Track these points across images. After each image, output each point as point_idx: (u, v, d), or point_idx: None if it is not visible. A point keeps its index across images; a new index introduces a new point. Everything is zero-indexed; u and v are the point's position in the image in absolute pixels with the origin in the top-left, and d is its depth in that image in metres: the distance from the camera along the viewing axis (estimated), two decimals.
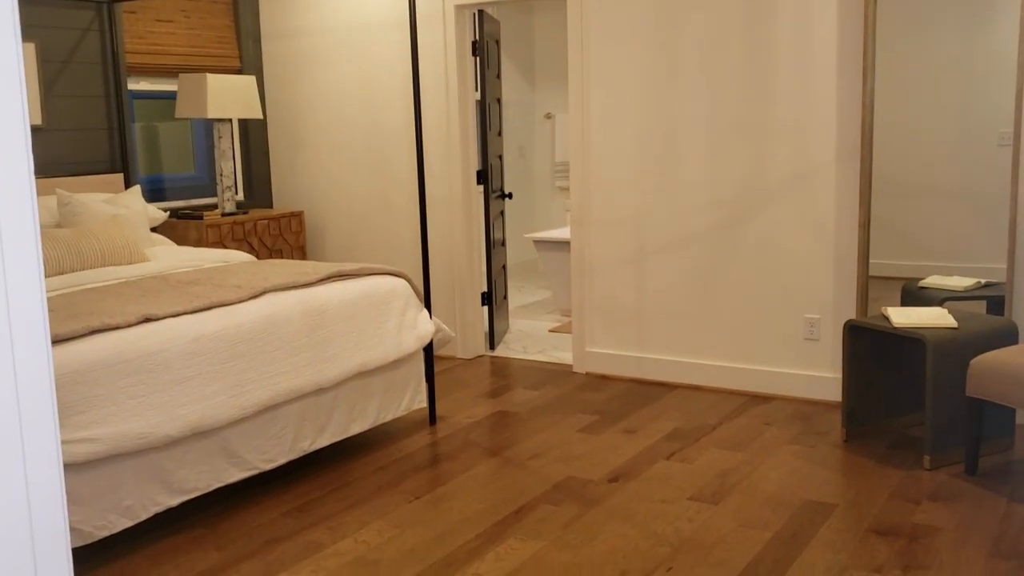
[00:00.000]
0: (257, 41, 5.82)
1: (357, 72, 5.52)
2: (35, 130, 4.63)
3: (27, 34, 4.56)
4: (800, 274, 4.38)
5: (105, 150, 4.98)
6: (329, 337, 3.60)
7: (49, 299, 3.36)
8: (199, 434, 3.11)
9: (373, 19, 5.40)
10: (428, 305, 4.15)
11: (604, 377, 4.90)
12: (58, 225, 4.24)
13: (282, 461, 3.44)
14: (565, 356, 5.34)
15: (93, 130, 4.91)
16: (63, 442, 2.69)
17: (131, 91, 5.21)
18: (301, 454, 3.52)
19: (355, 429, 3.76)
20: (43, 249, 3.78)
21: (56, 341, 2.82)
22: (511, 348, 5.59)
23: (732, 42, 4.37)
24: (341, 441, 3.70)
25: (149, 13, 5.21)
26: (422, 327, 4.03)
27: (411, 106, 5.32)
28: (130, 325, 3.03)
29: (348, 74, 5.56)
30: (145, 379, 2.94)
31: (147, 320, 3.10)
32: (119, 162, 5.04)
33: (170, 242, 4.80)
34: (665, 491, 3.38)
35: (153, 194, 5.53)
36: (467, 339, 5.38)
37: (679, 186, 4.59)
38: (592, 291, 4.92)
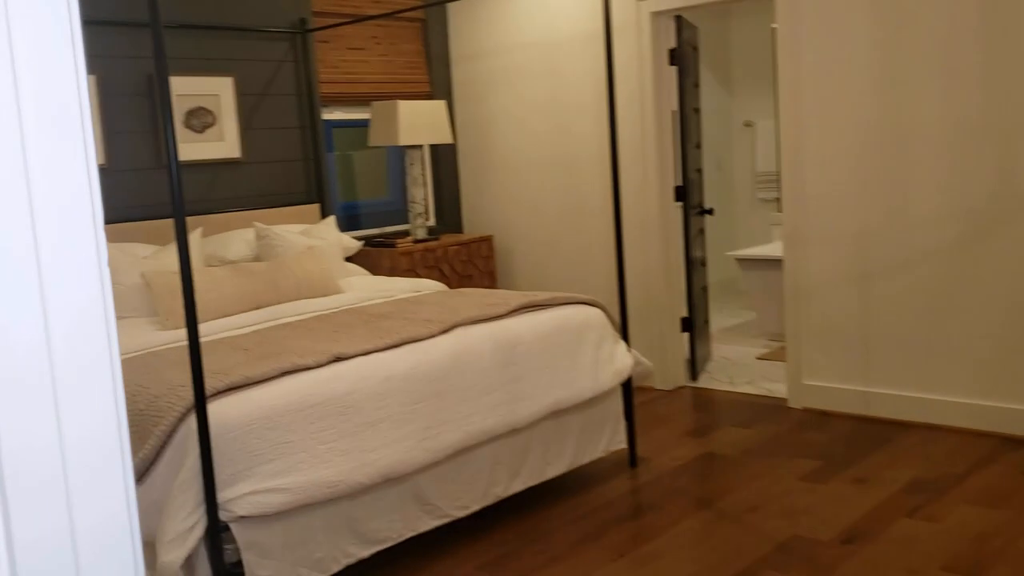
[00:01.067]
0: (447, 64, 5.73)
1: (546, 89, 5.30)
2: (234, 163, 4.71)
3: (225, 68, 4.65)
4: None
5: (302, 181, 5.01)
6: (521, 374, 3.35)
7: (242, 337, 3.31)
8: (390, 480, 2.94)
9: (564, 34, 5.17)
10: (625, 333, 3.83)
11: (824, 414, 4.39)
12: (256, 258, 4.26)
13: (475, 508, 3.22)
14: (777, 388, 4.86)
15: (290, 161, 4.96)
16: (252, 493, 2.58)
17: (326, 120, 5.23)
18: (495, 500, 3.29)
19: (551, 473, 3.50)
20: (240, 283, 3.77)
21: (247, 385, 2.72)
22: (715, 378, 5.16)
23: (968, 33, 3.79)
24: (536, 486, 3.45)
25: (342, 42, 5.22)
26: (620, 360, 3.72)
27: (603, 122, 5.03)
28: (320, 365, 2.91)
29: (537, 92, 5.35)
30: (335, 423, 2.80)
31: (337, 359, 2.97)
32: (315, 192, 5.07)
33: (364, 271, 4.75)
34: (912, 558, 2.88)
35: (349, 221, 5.54)
36: (666, 368, 5.01)
37: (910, 197, 4.04)
38: (809, 316, 4.43)
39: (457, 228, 5.87)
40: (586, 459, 3.65)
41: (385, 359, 3.03)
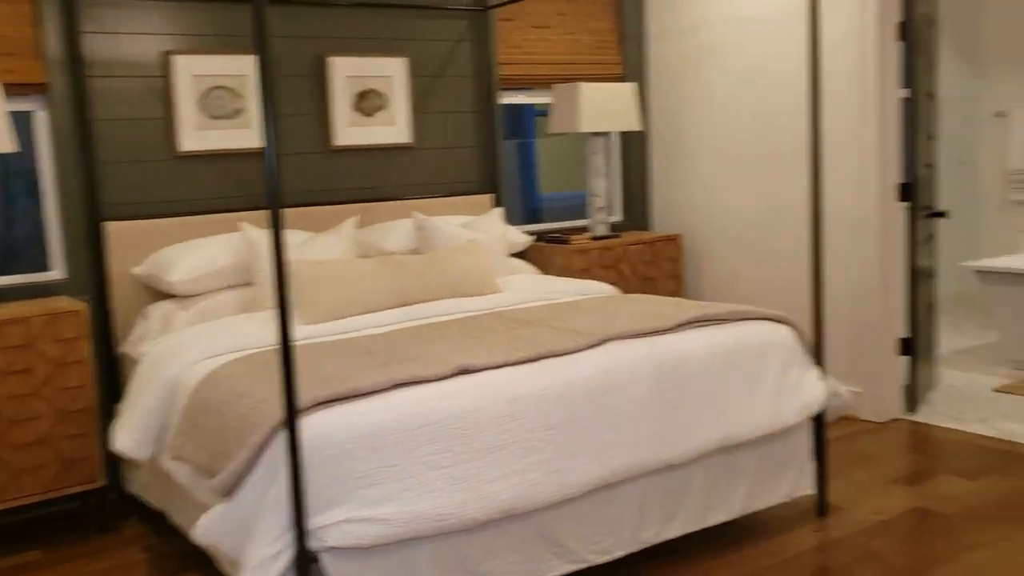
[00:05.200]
0: (641, 43, 5.23)
1: (751, 71, 4.68)
2: (404, 149, 4.47)
3: (398, 48, 4.42)
4: None
5: (475, 169, 4.71)
6: (684, 400, 2.84)
7: (374, 338, 3.03)
8: (512, 516, 2.54)
9: (774, 4, 4.53)
10: (819, 356, 3.21)
11: None
12: (415, 251, 3.99)
13: (619, 554, 2.76)
14: (1018, 430, 4.00)
15: (464, 148, 4.66)
16: (347, 521, 2.27)
17: (510, 104, 4.90)
18: (643, 546, 2.81)
19: (715, 519, 2.96)
20: (386, 277, 3.50)
21: (354, 396, 2.41)
22: (939, 412, 4.35)
23: None
24: (695, 533, 2.93)
25: (525, 19, 4.86)
26: (809, 391, 3.10)
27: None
28: (441, 378, 2.55)
29: (740, 74, 4.74)
30: (451, 446, 2.44)
31: (463, 372, 2.60)
32: (489, 182, 4.75)
33: (533, 269, 4.38)
34: None
35: (533, 215, 5.19)
36: (877, 397, 4.26)
37: None
38: None
39: (644, 225, 5.37)
40: (761, 505, 3.07)
41: (517, 375, 2.62)
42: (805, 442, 3.17)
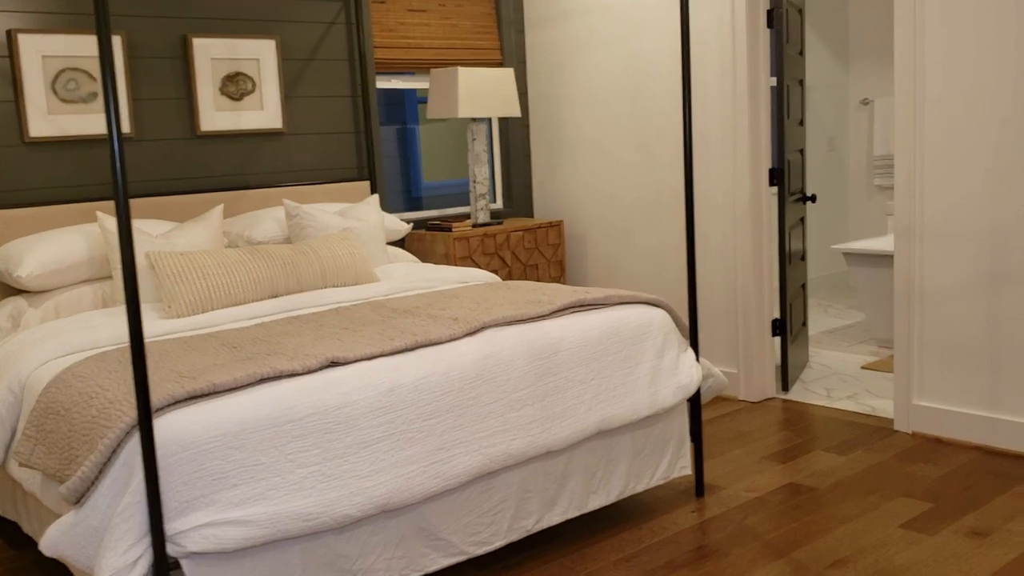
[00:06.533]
0: (521, 30, 5.20)
1: (626, 57, 4.70)
2: (275, 134, 4.31)
3: (268, 29, 4.25)
4: None
5: (351, 156, 4.58)
6: (562, 386, 2.82)
7: (240, 331, 2.89)
8: (389, 512, 2.47)
9: None
10: (695, 339, 3.24)
11: (938, 441, 3.69)
12: (287, 240, 3.85)
13: (499, 544, 2.72)
14: (883, 406, 4.16)
15: (338, 134, 4.53)
16: (208, 524, 2.15)
17: (385, 89, 4.79)
18: (523, 535, 2.78)
19: (595, 503, 2.96)
20: (255, 268, 3.36)
21: (215, 393, 2.28)
22: (811, 390, 4.49)
23: None
24: (576, 518, 2.92)
25: (401, 3, 4.75)
26: (685, 373, 3.14)
27: None
28: (309, 371, 2.45)
29: (617, 60, 4.76)
30: (321, 442, 2.34)
31: (333, 364, 2.50)
32: (366, 169, 4.63)
33: (413, 258, 4.29)
34: None
35: (415, 202, 5.10)
36: (752, 377, 4.37)
37: None
38: (923, 325, 3.73)
39: (527, 212, 5.35)
40: (640, 487, 3.09)
41: (392, 365, 2.55)
42: (682, 424, 3.21)
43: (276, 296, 3.41)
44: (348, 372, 2.48)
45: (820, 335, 5.55)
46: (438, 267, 3.98)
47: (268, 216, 3.88)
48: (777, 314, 4.45)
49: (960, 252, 3.58)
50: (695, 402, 3.25)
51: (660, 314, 3.16)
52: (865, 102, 6.97)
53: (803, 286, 4.83)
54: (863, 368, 4.81)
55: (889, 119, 6.74)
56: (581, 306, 3.06)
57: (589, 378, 2.88)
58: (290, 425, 2.31)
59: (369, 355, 2.56)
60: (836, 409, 4.17)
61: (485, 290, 3.40)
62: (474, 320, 2.84)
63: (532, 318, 2.92)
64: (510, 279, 4.66)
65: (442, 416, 2.56)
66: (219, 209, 3.69)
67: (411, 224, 4.55)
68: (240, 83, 4.18)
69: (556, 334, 2.87)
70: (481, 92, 4.55)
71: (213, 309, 3.23)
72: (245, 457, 2.23)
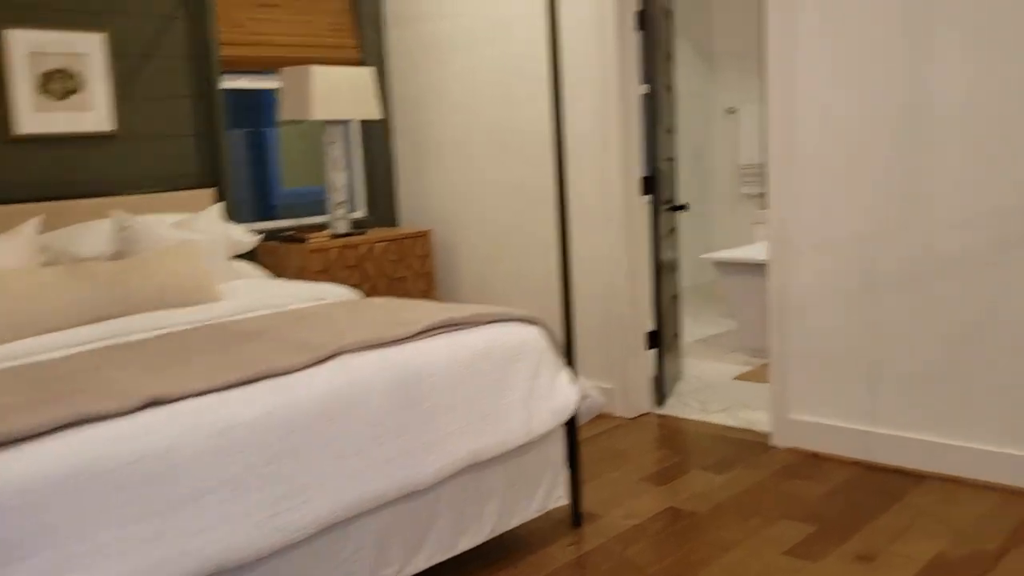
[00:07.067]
0: (379, 27, 4.90)
1: (493, 59, 4.48)
2: (106, 138, 3.86)
3: (95, 23, 3.80)
4: None
5: (194, 161, 4.17)
6: (427, 418, 2.54)
7: (46, 365, 2.47)
8: (225, 572, 2.13)
9: None
10: (570, 355, 3.03)
11: (816, 456, 3.61)
12: (116, 255, 3.42)
13: None
14: (758, 419, 4.08)
15: (178, 137, 4.11)
16: None
17: (231, 89, 4.40)
18: None
19: (465, 544, 2.69)
20: (75, 288, 2.94)
21: (5, 443, 1.89)
22: (686, 404, 4.37)
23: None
24: (445, 562, 2.65)
25: None
26: (561, 395, 2.92)
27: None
28: (125, 413, 2.09)
29: (482, 63, 4.53)
30: (137, 496, 1.98)
31: (154, 403, 2.15)
32: (210, 175, 4.22)
33: (262, 273, 3.92)
34: None
35: (270, 211, 4.72)
36: (627, 392, 4.21)
37: (928, 195, 3.26)
38: (798, 336, 3.65)
39: (391, 221, 5.05)
40: (514, 522, 2.84)
41: (227, 402, 2.21)
42: (557, 450, 2.98)
43: (100, 320, 2.99)
44: (172, 412, 2.13)
45: (692, 344, 5.48)
46: (290, 283, 3.64)
47: (95, 229, 3.45)
48: (652, 326, 4.31)
49: (833, 260, 3.51)
50: (571, 426, 3.04)
51: (533, 332, 2.92)
52: (731, 111, 7.01)
53: (675, 297, 4.72)
54: (736, 379, 4.74)
55: (755, 128, 6.79)
56: (448, 326, 2.79)
57: (457, 407, 2.62)
58: (98, 480, 1.94)
59: (197, 391, 2.21)
60: (711, 424, 4.06)
61: (342, 309, 3.08)
62: (326, 345, 2.53)
63: (394, 341, 2.63)
64: (373, 294, 4.35)
65: (287, 459, 2.24)
66: (33, 222, 3.23)
67: (262, 235, 4.18)
68: (62, 81, 3.71)
69: (421, 359, 2.60)
70: (337, 93, 4.22)
71: (21, 338, 2.79)
72: (40, 520, 1.85)
